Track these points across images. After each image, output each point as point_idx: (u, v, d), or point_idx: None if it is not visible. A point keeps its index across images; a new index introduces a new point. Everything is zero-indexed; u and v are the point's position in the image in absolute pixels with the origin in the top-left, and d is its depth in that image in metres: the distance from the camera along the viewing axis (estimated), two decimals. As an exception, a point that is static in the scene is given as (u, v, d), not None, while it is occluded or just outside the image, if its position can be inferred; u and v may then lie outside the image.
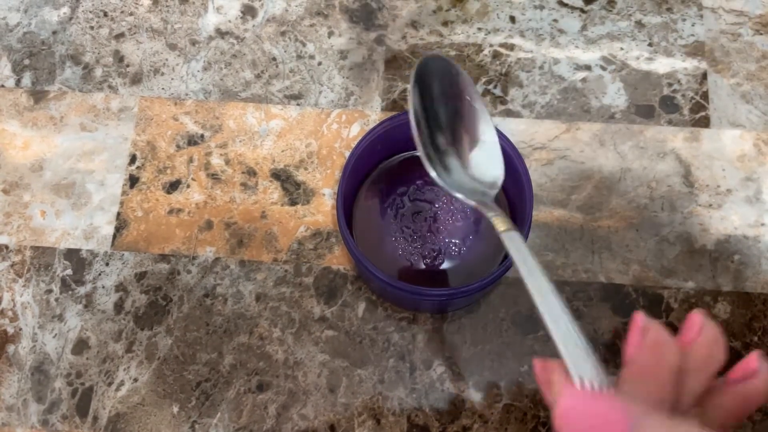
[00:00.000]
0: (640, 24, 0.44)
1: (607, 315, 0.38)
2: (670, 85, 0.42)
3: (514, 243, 0.27)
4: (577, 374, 0.22)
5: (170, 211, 0.41)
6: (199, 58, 0.44)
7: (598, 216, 0.40)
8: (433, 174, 0.30)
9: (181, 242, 0.40)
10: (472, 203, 0.30)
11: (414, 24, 0.44)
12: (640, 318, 0.24)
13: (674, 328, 0.38)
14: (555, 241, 0.39)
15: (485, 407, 0.37)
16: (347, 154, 0.41)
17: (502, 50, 0.43)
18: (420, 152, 0.31)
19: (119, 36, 0.45)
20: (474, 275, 0.37)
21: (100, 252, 0.40)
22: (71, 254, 0.40)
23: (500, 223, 0.28)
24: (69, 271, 0.40)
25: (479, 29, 0.44)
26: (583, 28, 0.44)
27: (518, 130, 0.42)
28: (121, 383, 0.38)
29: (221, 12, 0.45)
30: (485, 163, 0.32)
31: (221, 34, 0.44)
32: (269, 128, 0.42)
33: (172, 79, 0.43)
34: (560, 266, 0.39)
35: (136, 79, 0.44)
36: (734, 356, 0.37)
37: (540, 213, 0.40)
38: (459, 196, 0.30)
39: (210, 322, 0.39)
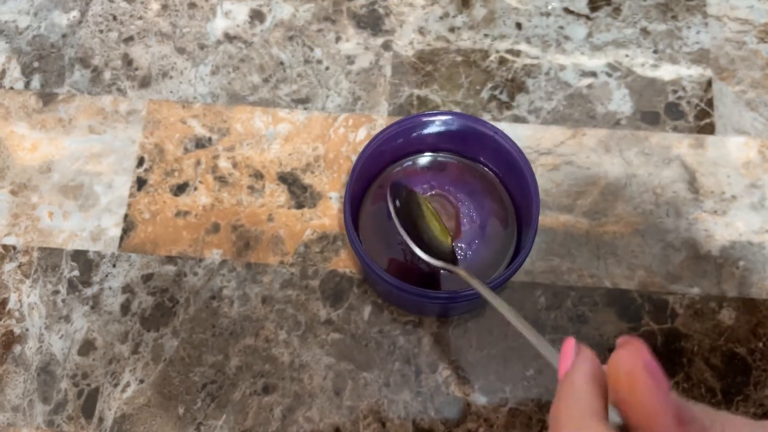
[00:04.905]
0: (645, 31, 0.44)
1: (613, 320, 0.38)
2: (675, 92, 0.43)
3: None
4: None
5: (177, 214, 0.41)
6: (207, 62, 0.44)
7: (603, 221, 0.40)
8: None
9: (187, 244, 0.40)
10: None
11: (421, 30, 0.44)
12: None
13: (679, 334, 0.38)
14: (561, 246, 0.40)
15: (490, 411, 0.37)
16: (354, 158, 0.42)
17: (509, 56, 0.44)
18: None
19: (128, 40, 0.45)
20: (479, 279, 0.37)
21: (107, 253, 0.40)
22: (78, 255, 0.40)
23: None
24: (76, 273, 0.40)
25: (486, 35, 0.44)
26: (589, 35, 0.44)
27: (524, 135, 0.42)
28: (127, 384, 0.38)
29: (230, 17, 0.45)
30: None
31: (229, 38, 0.45)
32: (276, 132, 0.42)
33: (181, 82, 0.44)
34: (566, 271, 0.39)
35: (144, 83, 0.44)
36: (739, 363, 0.37)
37: (546, 218, 0.40)
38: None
39: (216, 324, 0.39)
